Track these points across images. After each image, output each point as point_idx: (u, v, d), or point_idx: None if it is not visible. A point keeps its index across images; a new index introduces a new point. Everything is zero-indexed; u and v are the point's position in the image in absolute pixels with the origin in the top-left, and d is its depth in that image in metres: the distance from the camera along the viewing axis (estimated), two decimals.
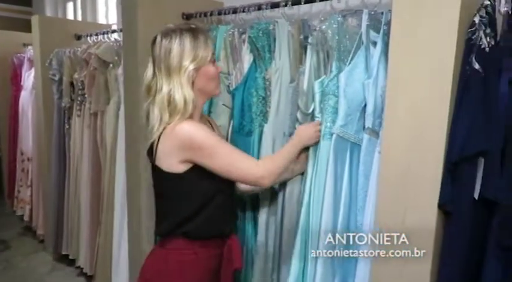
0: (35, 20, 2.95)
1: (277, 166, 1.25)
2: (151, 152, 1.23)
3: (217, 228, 1.27)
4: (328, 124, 1.31)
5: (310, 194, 1.34)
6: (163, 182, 1.25)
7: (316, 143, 1.34)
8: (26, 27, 3.19)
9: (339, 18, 1.31)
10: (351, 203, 1.31)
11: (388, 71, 1.04)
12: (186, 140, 1.15)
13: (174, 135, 1.15)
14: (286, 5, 1.50)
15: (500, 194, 0.90)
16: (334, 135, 1.29)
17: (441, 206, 0.96)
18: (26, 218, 3.56)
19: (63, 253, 2.90)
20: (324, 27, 1.31)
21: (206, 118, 1.42)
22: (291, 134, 1.40)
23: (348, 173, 1.31)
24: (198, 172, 1.19)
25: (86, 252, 2.64)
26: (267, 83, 1.44)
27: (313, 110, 1.35)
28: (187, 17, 1.96)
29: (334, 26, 1.30)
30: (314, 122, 1.35)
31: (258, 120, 1.46)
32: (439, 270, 1.02)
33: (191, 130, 1.15)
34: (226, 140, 1.59)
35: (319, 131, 1.32)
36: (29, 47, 3.35)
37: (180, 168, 1.18)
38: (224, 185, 1.25)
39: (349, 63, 1.30)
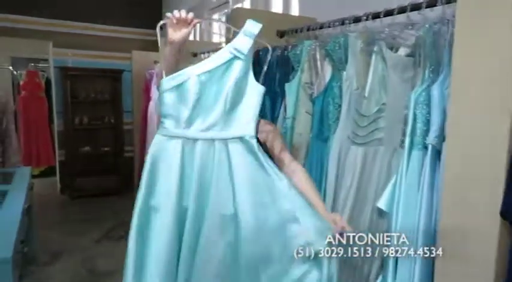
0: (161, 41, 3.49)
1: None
2: None
3: None
4: (420, 134, 1.30)
5: (394, 204, 1.33)
6: None
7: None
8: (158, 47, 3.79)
9: (435, 26, 1.30)
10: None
11: (452, 73, 1.05)
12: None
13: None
14: (367, 19, 1.58)
15: None
16: (429, 146, 1.28)
17: (503, 214, 0.94)
18: None
19: None
20: (422, 33, 1.31)
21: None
22: (352, 139, 1.47)
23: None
24: None
25: None
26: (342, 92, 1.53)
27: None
28: (281, 34, 2.15)
29: (430, 34, 1.30)
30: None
31: (333, 127, 1.55)
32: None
33: None
34: (307, 145, 1.72)
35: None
36: (157, 64, 3.97)
37: None
38: None
39: (442, 73, 1.29)
